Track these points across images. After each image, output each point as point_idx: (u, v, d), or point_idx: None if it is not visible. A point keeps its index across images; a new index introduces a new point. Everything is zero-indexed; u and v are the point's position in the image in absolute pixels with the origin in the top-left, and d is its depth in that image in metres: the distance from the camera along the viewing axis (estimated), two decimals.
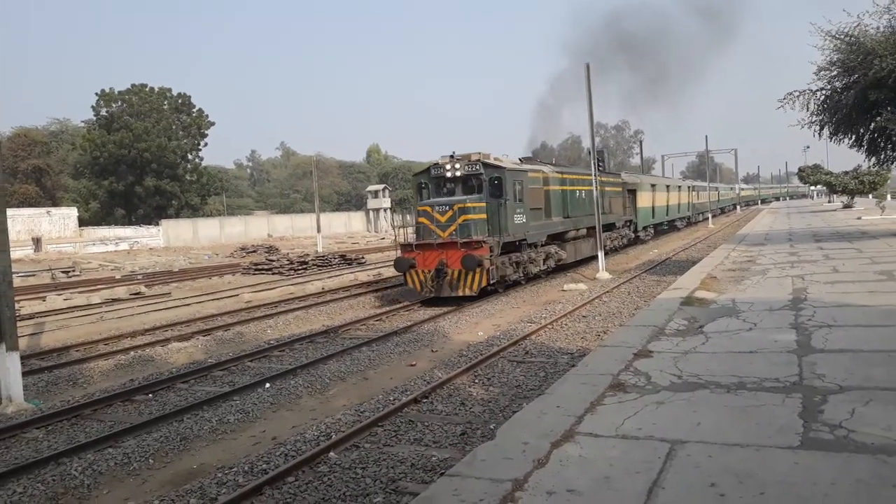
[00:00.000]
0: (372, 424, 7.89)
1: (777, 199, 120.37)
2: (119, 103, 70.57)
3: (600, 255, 23.07)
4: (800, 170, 62.38)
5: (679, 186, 49.40)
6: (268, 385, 10.14)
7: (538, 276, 21.42)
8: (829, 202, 65.78)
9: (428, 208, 18.19)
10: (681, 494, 4.02)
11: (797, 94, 20.35)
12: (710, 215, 60.61)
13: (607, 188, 28.32)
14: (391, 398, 9.08)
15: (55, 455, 7.47)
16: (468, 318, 15.51)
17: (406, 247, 18.12)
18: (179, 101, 73.76)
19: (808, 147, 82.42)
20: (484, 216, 17.90)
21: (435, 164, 19.21)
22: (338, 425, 8.11)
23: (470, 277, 17.06)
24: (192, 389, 10.41)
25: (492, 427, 7.35)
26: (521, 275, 19.65)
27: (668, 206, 43.10)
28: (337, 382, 10.45)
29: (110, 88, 69.97)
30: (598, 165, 24.86)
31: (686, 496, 3.99)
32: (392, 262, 19.45)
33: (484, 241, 17.17)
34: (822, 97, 20.31)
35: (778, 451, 4.58)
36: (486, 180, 18.55)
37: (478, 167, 18.59)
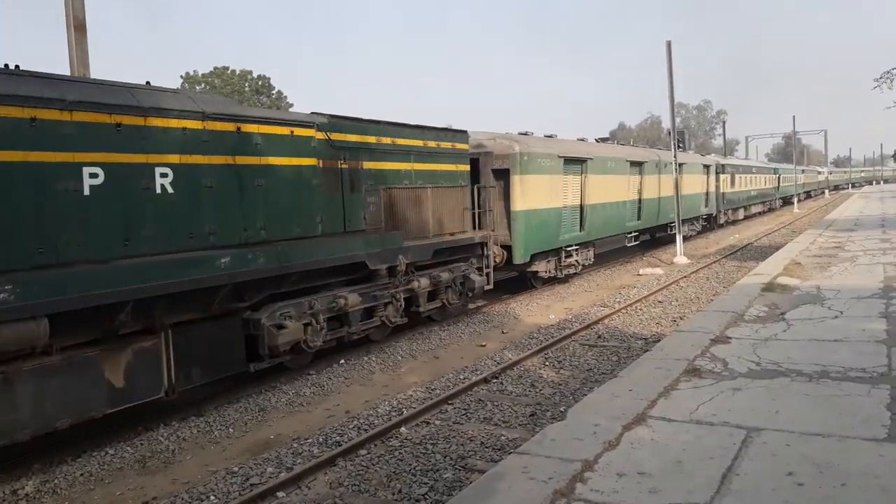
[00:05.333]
0: (442, 402, 7.99)
1: (855, 183, 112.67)
2: (202, 85, 73.03)
3: (678, 238, 22.45)
4: None
5: (664, 165, 23.86)
6: (342, 361, 10.38)
7: None
8: None
9: None
10: (756, 482, 3.92)
11: None
12: (795, 199, 53.10)
13: (388, 164, 11.29)
14: (461, 377, 9.16)
15: (143, 421, 7.90)
16: (539, 301, 15.42)
17: None
18: (259, 83, 75.74)
19: None
20: None
21: None
22: (409, 401, 8.25)
23: None
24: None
25: (562, 409, 7.32)
26: None
27: (624, 203, 20.87)
28: (408, 360, 10.61)
29: (194, 71, 72.47)
30: (679, 145, 23.95)
31: (762, 484, 3.89)
32: None
33: None
34: None
35: (862, 442, 4.41)
36: None
37: None
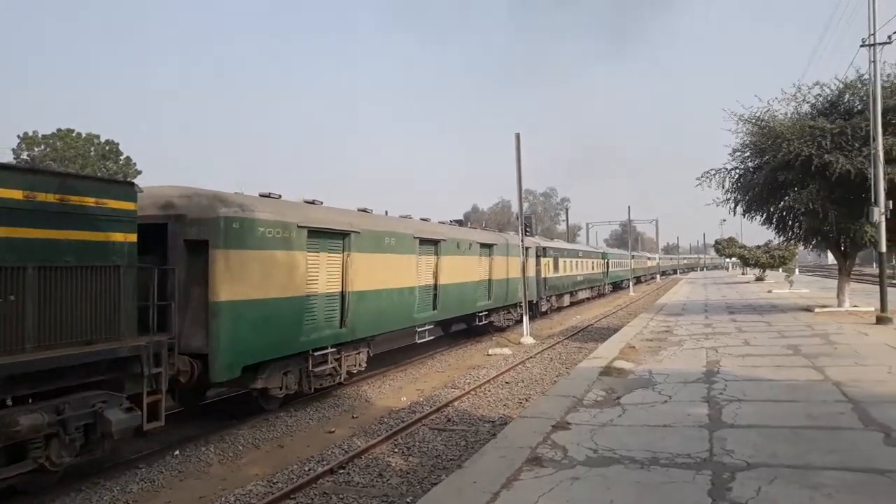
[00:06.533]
0: (284, 496, 7.60)
1: (681, 269, 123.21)
2: (42, 147, 68.17)
3: (525, 319, 23.29)
4: (716, 242, 65.22)
5: (468, 245, 21.15)
6: (176, 452, 9.65)
7: None
8: (743, 274, 68.84)
9: None
10: None
11: (713, 172, 21.49)
12: (630, 283, 56.87)
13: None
14: (306, 468, 8.80)
15: None
16: (392, 383, 15.30)
17: None
18: (107, 147, 71.87)
19: (724, 220, 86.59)
20: None
21: None
22: (248, 497, 7.78)
23: None
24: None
25: (409, 500, 7.19)
26: None
27: (412, 289, 16.85)
28: (250, 450, 10.06)
29: (34, 132, 67.67)
30: (526, 230, 25.23)
31: None
32: None
33: None
34: (736, 176, 21.52)
35: None
36: None
37: None
